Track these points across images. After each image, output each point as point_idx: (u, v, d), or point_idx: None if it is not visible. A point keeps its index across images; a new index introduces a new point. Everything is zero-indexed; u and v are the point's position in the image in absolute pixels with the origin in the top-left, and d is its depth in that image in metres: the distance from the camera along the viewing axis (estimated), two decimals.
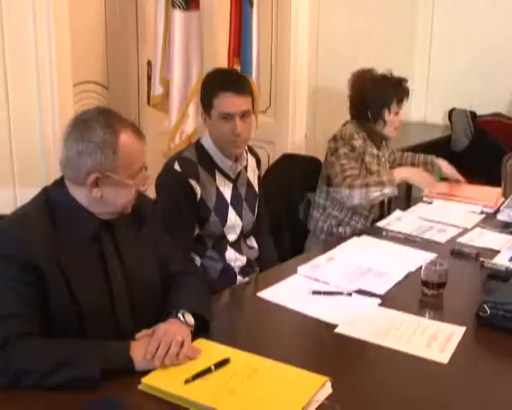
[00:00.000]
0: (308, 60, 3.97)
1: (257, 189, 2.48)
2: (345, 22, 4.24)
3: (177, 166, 2.23)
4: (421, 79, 5.25)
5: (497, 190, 3.13)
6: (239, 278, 2.34)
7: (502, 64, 4.82)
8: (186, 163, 2.25)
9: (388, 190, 2.75)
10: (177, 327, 1.58)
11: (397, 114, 2.90)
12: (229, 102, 2.19)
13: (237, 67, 3.55)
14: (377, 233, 2.58)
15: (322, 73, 4.08)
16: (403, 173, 2.89)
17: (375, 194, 2.74)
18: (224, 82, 2.24)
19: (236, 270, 2.34)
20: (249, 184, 2.43)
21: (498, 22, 4.83)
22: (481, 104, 4.91)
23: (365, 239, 2.52)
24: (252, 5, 3.50)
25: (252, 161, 2.47)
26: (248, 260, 2.40)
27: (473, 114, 4.85)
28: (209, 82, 2.31)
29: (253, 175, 2.46)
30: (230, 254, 2.34)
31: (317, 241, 2.92)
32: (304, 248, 2.95)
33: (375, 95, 2.86)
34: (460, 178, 3.10)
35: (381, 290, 2.02)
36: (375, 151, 2.92)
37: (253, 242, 2.46)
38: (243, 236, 2.40)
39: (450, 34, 5.08)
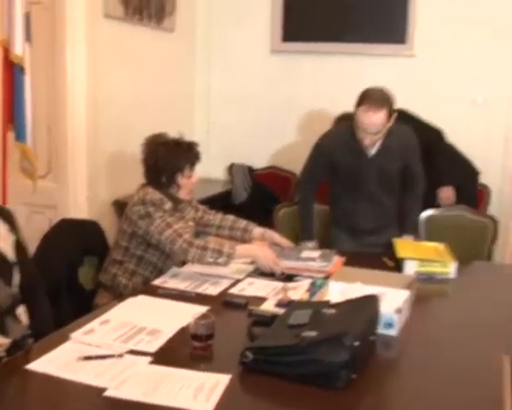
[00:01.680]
0: (86, 123, 4.00)
1: (12, 256, 2.31)
2: (124, 86, 4.34)
3: None
4: (202, 137, 5.49)
5: None
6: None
7: (274, 121, 5.24)
8: None
9: (222, 261, 2.80)
10: None
11: (190, 177, 3.02)
12: None
13: (11, 134, 3.51)
14: (153, 292, 2.65)
15: (102, 136, 4.13)
16: (247, 251, 2.96)
17: (209, 259, 2.80)
18: None
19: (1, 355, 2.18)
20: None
21: (269, 84, 5.25)
22: (257, 158, 5.27)
23: (141, 299, 2.57)
24: (23, 72, 3.48)
25: (3, 229, 2.30)
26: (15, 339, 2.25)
27: (250, 168, 5.18)
28: None
29: (4, 244, 2.29)
30: None
31: (110, 295, 2.94)
32: (93, 304, 2.96)
33: (168, 161, 2.95)
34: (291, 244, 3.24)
35: (153, 348, 2.08)
36: (177, 214, 3.01)
37: (20, 314, 2.36)
38: (5, 312, 2.25)
39: (227, 95, 5.43)
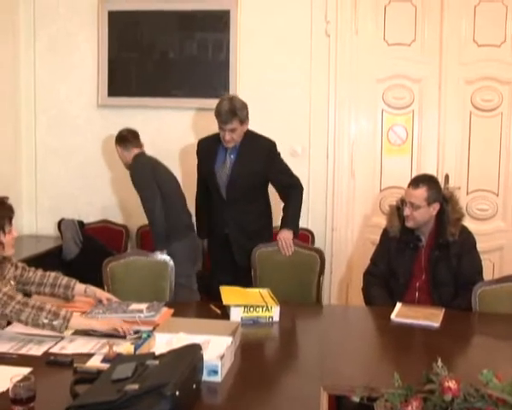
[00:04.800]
0: None
1: None
2: None
3: None
4: (30, 194, 5.41)
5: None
6: None
7: (103, 175, 5.24)
8: None
9: (57, 324, 2.70)
10: None
11: (10, 232, 2.91)
12: None
13: None
14: None
15: None
16: (83, 322, 2.83)
17: (44, 320, 2.70)
18: None
19: None
20: None
21: (96, 139, 5.28)
22: (88, 212, 5.23)
23: None
24: None
25: None
26: None
27: (80, 223, 5.11)
28: None
29: None
30: None
31: None
32: None
33: None
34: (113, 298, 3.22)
35: None
36: None
37: None
38: None
39: (54, 150, 5.36)
